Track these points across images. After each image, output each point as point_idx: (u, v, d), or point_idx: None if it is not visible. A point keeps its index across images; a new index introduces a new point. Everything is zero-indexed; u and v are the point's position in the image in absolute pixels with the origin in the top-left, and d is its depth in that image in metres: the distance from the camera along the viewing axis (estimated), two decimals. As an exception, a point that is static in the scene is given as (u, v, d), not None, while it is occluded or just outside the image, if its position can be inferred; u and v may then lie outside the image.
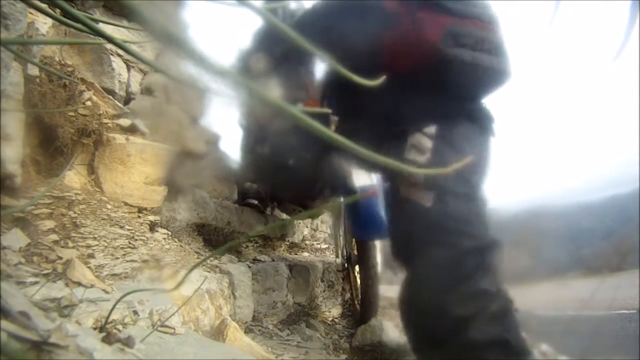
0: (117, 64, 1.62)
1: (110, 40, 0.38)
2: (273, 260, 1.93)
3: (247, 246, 2.05)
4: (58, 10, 0.93)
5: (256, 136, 2.14)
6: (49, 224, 1.00)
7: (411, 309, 0.97)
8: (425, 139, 1.00)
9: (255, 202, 2.17)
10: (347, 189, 1.83)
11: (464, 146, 1.00)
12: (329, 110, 1.15)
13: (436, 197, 0.94)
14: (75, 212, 1.09)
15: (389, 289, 2.20)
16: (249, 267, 1.64)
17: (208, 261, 1.51)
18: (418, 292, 0.95)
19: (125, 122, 1.44)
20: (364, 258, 1.91)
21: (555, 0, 0.55)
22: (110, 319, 0.73)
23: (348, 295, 2.31)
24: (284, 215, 2.56)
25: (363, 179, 1.71)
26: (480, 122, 1.06)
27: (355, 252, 2.05)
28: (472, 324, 0.83)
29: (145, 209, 1.38)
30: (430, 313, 0.90)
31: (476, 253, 0.90)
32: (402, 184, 0.99)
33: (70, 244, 1.00)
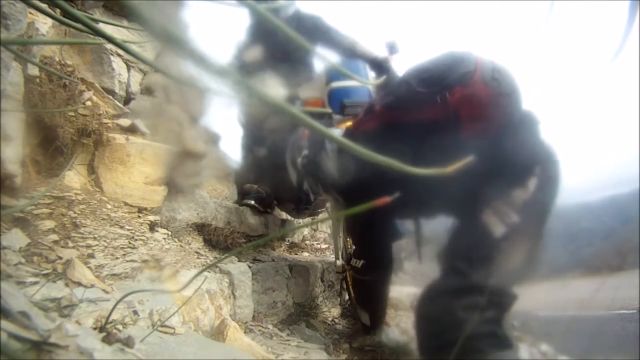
0: (117, 64, 1.62)
1: (110, 40, 0.38)
2: (273, 260, 1.93)
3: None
4: (58, 10, 0.93)
5: (255, 136, 2.14)
6: (49, 224, 1.00)
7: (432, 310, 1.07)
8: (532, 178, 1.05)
9: (254, 202, 2.16)
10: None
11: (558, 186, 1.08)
12: (329, 110, 1.14)
13: (507, 233, 1.01)
14: (75, 212, 1.09)
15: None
16: (249, 267, 1.64)
17: (208, 261, 1.51)
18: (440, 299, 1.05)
19: (125, 122, 1.44)
20: None
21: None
22: (110, 319, 0.73)
23: (347, 297, 2.30)
24: (284, 215, 2.55)
25: None
26: None
27: None
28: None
29: (145, 209, 1.38)
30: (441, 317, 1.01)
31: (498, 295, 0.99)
32: (487, 211, 1.05)
33: (70, 244, 1.00)
